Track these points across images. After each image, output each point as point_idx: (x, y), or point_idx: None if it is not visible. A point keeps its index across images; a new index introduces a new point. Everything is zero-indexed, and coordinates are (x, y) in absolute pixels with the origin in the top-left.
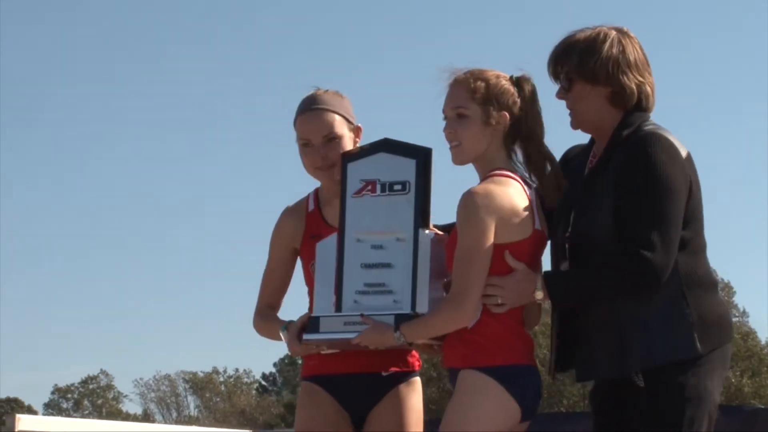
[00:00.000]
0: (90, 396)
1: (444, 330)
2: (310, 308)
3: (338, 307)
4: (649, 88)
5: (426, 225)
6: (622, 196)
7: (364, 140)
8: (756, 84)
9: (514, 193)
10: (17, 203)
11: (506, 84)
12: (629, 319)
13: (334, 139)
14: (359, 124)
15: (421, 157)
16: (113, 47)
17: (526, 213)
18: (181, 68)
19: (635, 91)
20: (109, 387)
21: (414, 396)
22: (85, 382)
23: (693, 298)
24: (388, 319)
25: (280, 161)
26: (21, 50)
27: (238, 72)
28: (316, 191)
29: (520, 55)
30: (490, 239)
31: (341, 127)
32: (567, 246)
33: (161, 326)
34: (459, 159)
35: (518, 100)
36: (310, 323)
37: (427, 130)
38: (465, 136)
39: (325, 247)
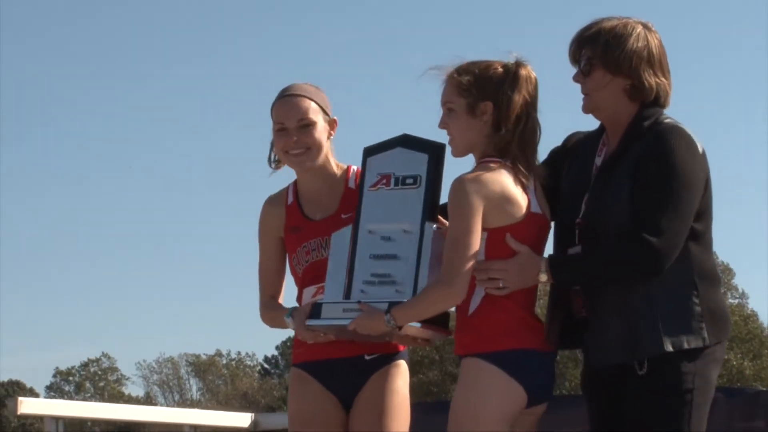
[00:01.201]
0: (92, 378)
1: (432, 311)
2: (298, 298)
3: (347, 296)
4: (667, 88)
5: (433, 218)
6: (639, 184)
7: (357, 136)
8: (748, 61)
9: (503, 178)
10: (19, 188)
11: (494, 73)
12: (641, 306)
13: (308, 125)
14: (335, 117)
15: (434, 152)
16: (115, 48)
17: (518, 197)
18: (182, 68)
19: (654, 87)
20: (112, 369)
21: (398, 378)
22: (86, 364)
23: (703, 290)
24: (383, 306)
25: None
26: (21, 51)
27: (240, 73)
28: (295, 183)
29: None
30: (479, 224)
31: (316, 115)
32: (578, 231)
33: (166, 309)
34: (455, 152)
35: (504, 88)
36: (313, 309)
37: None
38: (454, 129)
39: (340, 237)
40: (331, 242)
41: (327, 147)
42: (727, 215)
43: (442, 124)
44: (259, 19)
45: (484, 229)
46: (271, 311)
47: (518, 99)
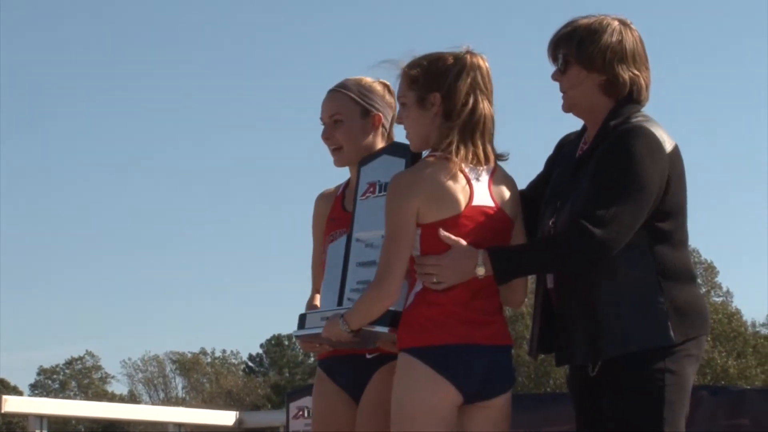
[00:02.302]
0: (76, 377)
1: (371, 311)
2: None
3: (339, 304)
4: (643, 82)
5: None
6: (593, 183)
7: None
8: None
9: (437, 172)
10: (4, 190)
11: (442, 64)
12: (605, 305)
13: (338, 121)
14: (379, 113)
15: (410, 156)
16: (114, 49)
17: (455, 190)
18: (181, 67)
19: (628, 82)
20: (96, 368)
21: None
22: (70, 363)
23: (668, 289)
24: (342, 312)
25: (276, 149)
26: (20, 50)
27: (244, 71)
28: (349, 178)
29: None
30: (410, 222)
31: (349, 111)
32: (552, 232)
33: (151, 307)
34: (412, 146)
35: (452, 79)
36: (299, 320)
37: None
38: (407, 123)
39: (335, 249)
40: (328, 253)
41: (370, 143)
42: (715, 214)
43: (398, 119)
44: (257, 19)
45: (418, 224)
46: (306, 308)
47: (462, 87)
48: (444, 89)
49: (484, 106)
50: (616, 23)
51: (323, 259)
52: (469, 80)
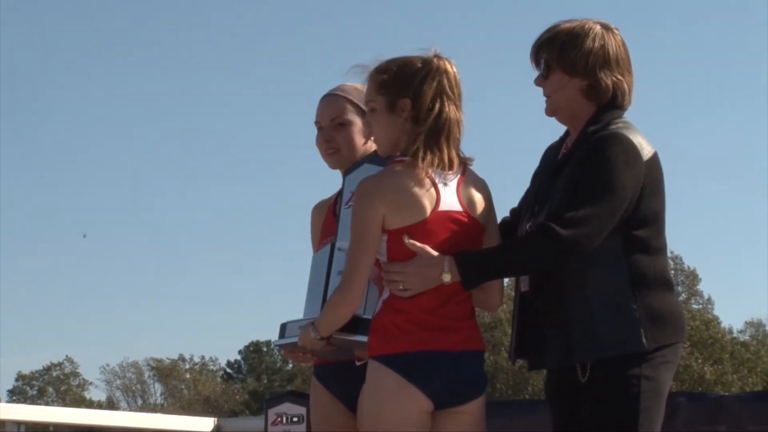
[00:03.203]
0: (54, 383)
1: (337, 317)
2: None
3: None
4: (626, 86)
5: None
6: (566, 188)
7: None
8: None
9: (402, 178)
10: None
11: (411, 68)
12: (577, 311)
13: (342, 124)
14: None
15: (387, 162)
16: (105, 44)
17: (420, 196)
18: (177, 62)
19: (610, 87)
20: (74, 374)
21: None
22: (48, 369)
23: (641, 296)
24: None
25: (265, 156)
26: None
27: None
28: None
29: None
30: (374, 229)
31: (351, 115)
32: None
33: (132, 313)
34: (379, 150)
35: (418, 81)
36: (280, 329)
37: None
38: (375, 129)
39: (318, 258)
40: (312, 263)
41: (364, 148)
42: (698, 220)
43: (365, 125)
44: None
45: (384, 231)
46: None
47: (429, 91)
48: (413, 94)
49: (449, 110)
50: (598, 27)
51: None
52: (435, 84)
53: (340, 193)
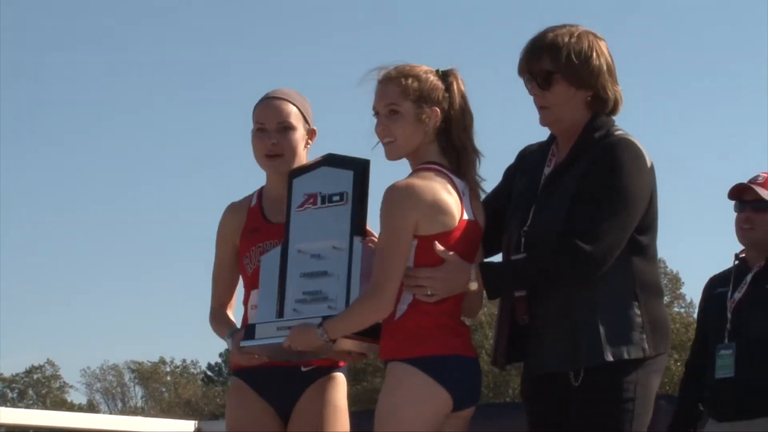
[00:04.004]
0: (35, 386)
1: (363, 322)
2: (245, 301)
3: (280, 315)
4: (620, 95)
5: (362, 233)
6: (582, 196)
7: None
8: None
9: (436, 186)
10: None
11: (435, 80)
12: (583, 315)
13: (288, 128)
14: (315, 128)
15: (359, 168)
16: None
17: (451, 204)
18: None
19: (613, 96)
20: (55, 377)
21: (335, 392)
22: (29, 371)
23: (645, 301)
24: (316, 321)
25: (229, 155)
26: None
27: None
28: (261, 188)
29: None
30: (409, 233)
31: (297, 120)
32: (524, 241)
33: (112, 315)
34: (393, 155)
35: (447, 95)
36: (246, 331)
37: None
38: (398, 133)
39: (269, 260)
40: (261, 265)
41: (303, 155)
42: (676, 224)
43: (382, 126)
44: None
45: (414, 236)
46: (218, 323)
47: (455, 103)
48: (444, 106)
49: (468, 122)
50: (592, 37)
51: (227, 275)
52: (459, 98)
53: (261, 195)
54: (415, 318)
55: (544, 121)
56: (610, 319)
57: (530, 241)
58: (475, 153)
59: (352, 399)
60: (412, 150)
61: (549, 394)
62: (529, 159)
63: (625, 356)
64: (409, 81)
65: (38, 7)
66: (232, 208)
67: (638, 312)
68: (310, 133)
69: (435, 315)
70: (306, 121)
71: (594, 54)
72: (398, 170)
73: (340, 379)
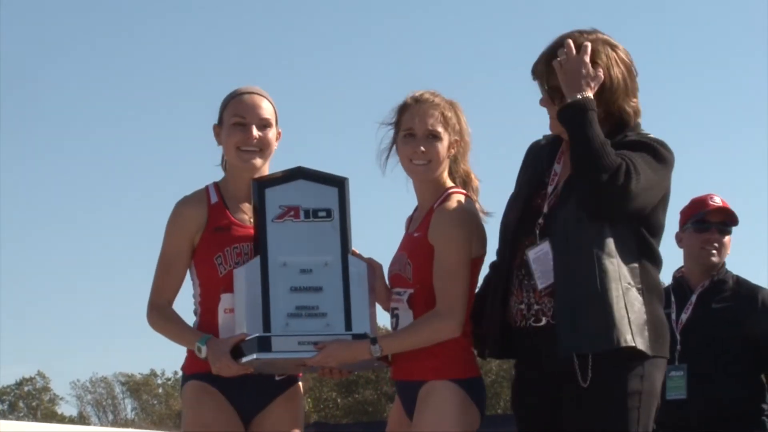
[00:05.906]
0: (25, 398)
1: (430, 342)
2: (202, 310)
3: (266, 329)
4: (639, 107)
5: (349, 250)
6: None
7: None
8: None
9: (477, 211)
10: None
11: (459, 112)
12: (610, 302)
13: (267, 126)
14: (280, 130)
15: (341, 186)
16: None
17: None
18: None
19: (632, 113)
20: (45, 389)
21: (299, 401)
22: (20, 383)
23: (648, 302)
24: (344, 339)
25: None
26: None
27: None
28: (216, 185)
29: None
30: (470, 254)
31: (273, 119)
32: (542, 225)
33: (102, 327)
34: (425, 175)
35: (458, 127)
36: (260, 343)
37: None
38: (436, 157)
39: (248, 272)
40: (235, 277)
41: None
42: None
43: (420, 146)
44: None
45: None
46: (171, 323)
47: (465, 134)
48: (459, 137)
49: (467, 151)
50: (609, 49)
51: (179, 271)
52: (466, 127)
53: (219, 193)
54: (454, 341)
55: (554, 129)
56: (628, 311)
57: (549, 230)
58: (478, 180)
59: (344, 411)
60: (440, 173)
61: (548, 394)
62: (536, 152)
63: (640, 346)
64: (450, 114)
65: (38, 7)
66: (189, 202)
67: (645, 309)
68: (277, 135)
69: (468, 336)
70: (277, 122)
71: (615, 71)
72: (369, 189)
73: (300, 388)
